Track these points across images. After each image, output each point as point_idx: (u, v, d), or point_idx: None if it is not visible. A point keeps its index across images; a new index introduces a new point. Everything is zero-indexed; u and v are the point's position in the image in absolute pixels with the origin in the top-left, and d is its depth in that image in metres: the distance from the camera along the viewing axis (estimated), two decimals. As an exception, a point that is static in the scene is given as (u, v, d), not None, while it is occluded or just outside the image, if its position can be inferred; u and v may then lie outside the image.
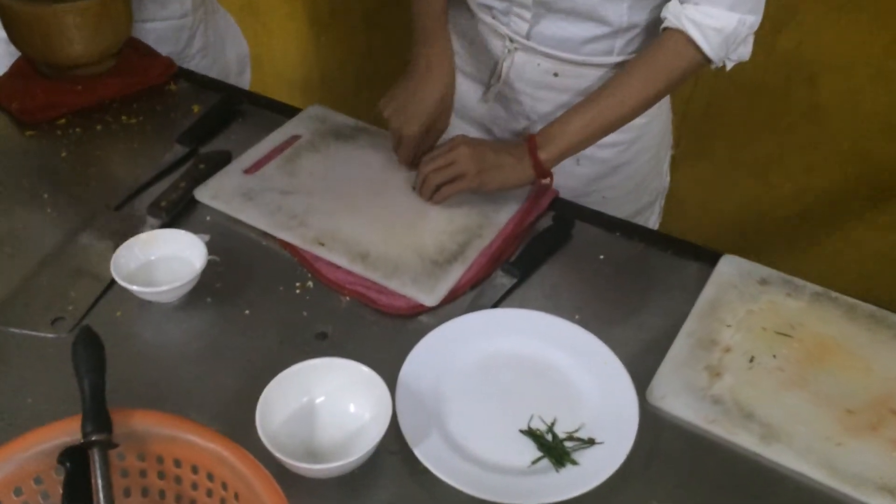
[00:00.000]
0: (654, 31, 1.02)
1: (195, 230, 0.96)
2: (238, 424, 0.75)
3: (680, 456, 0.80)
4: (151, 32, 1.35)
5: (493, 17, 1.11)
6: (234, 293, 0.93)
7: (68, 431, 0.64)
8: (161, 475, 0.67)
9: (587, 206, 1.12)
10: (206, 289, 0.93)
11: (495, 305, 0.94)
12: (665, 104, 1.23)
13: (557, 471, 0.76)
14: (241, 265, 0.97)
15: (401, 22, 2.10)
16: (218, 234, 1.00)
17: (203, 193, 1.05)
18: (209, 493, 0.67)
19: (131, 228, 0.98)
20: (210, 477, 0.66)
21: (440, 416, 0.80)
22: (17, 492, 0.64)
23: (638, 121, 1.15)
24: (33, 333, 0.87)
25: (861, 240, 1.86)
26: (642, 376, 0.85)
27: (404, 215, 1.04)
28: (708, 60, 0.98)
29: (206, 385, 0.84)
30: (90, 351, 0.68)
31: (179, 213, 1.03)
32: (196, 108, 1.21)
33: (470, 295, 0.95)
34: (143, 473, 0.68)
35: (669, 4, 0.98)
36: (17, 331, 0.88)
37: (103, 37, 1.23)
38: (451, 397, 0.82)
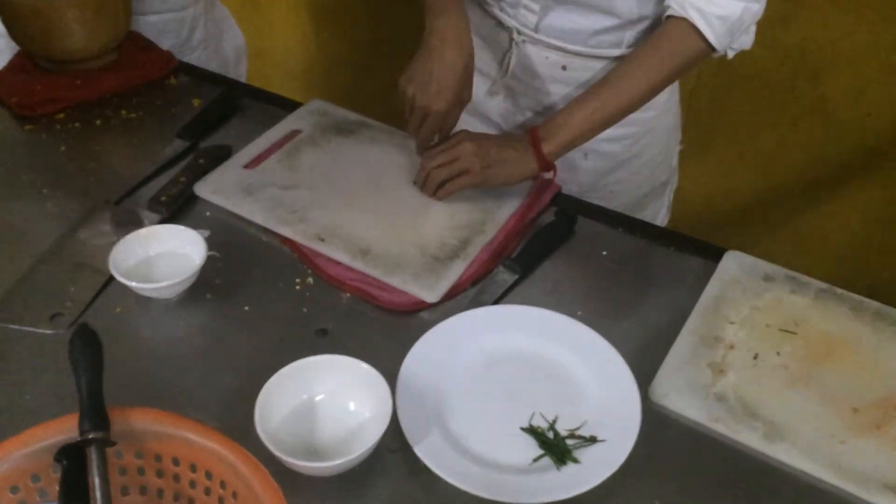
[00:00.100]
0: None
1: (195, 225, 0.96)
2: (237, 422, 0.74)
3: (683, 454, 0.79)
4: (153, 25, 1.35)
5: (501, 10, 1.10)
6: (233, 289, 0.93)
7: (66, 429, 0.64)
8: (159, 473, 0.67)
9: (594, 201, 1.11)
10: (205, 285, 0.92)
11: (496, 302, 0.93)
12: (674, 98, 1.22)
13: (559, 469, 0.75)
14: (240, 261, 0.96)
15: (405, 15, 2.10)
16: (218, 229, 0.99)
17: (203, 188, 1.04)
18: (207, 492, 0.66)
19: (131, 224, 0.97)
20: (208, 475, 0.65)
21: (441, 413, 0.80)
22: (14, 490, 0.63)
23: (646, 115, 1.14)
24: (32, 329, 0.87)
25: (867, 235, 1.85)
26: (645, 373, 0.84)
27: (406, 211, 1.03)
28: (712, 49, 0.97)
29: (206, 382, 0.83)
30: (87, 348, 0.68)
31: (179, 208, 1.02)
32: (196, 103, 1.21)
33: (471, 291, 0.95)
34: (141, 471, 0.67)
35: None
36: (15, 327, 0.87)
37: (103, 31, 1.22)
38: (452, 395, 0.82)
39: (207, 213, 1.02)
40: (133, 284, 0.87)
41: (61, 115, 1.18)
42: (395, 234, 0.99)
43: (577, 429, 0.79)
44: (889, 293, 1.01)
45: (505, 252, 0.99)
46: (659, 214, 1.34)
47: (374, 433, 0.73)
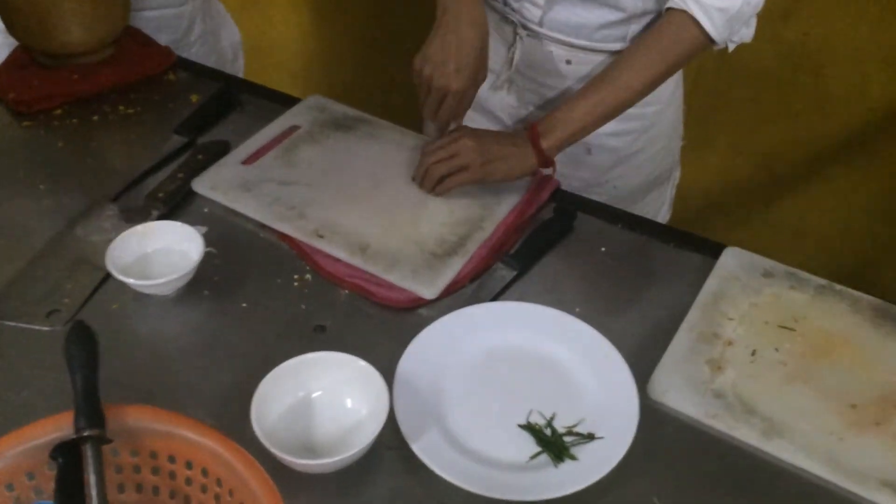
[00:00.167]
0: None
1: (193, 221, 0.96)
2: (235, 419, 0.74)
3: (681, 451, 0.79)
4: (151, 20, 1.34)
5: (505, 4, 1.09)
6: (231, 286, 0.93)
7: (61, 427, 0.64)
8: (155, 471, 0.67)
9: (597, 197, 1.10)
10: (203, 281, 0.92)
11: (495, 298, 0.93)
12: (678, 92, 1.21)
13: (556, 466, 0.75)
14: (238, 257, 0.96)
15: (404, 11, 2.09)
16: (216, 225, 0.99)
17: (201, 184, 1.04)
18: (204, 489, 0.66)
19: (128, 220, 0.97)
20: (205, 473, 0.65)
21: (438, 410, 0.80)
22: (10, 487, 0.63)
23: (650, 109, 1.14)
24: (28, 326, 0.86)
25: (868, 230, 1.85)
26: (644, 370, 0.84)
27: (404, 207, 1.03)
28: (711, 41, 0.97)
29: (203, 379, 0.83)
30: (83, 346, 0.68)
31: (177, 204, 1.02)
32: (194, 98, 1.20)
33: (470, 288, 0.94)
34: (137, 469, 0.67)
35: None
36: (12, 323, 0.87)
37: (101, 25, 1.22)
38: (450, 391, 0.82)
39: (205, 210, 1.02)
40: (130, 281, 0.87)
41: (59, 111, 1.17)
42: (393, 230, 0.99)
43: (575, 426, 0.79)
44: (890, 289, 1.01)
45: (504, 248, 0.99)
46: (661, 209, 1.33)
47: (371, 430, 0.73)
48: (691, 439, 0.80)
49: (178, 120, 1.15)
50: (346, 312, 0.91)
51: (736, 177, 1.92)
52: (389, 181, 1.06)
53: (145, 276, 0.89)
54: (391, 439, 0.77)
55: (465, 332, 0.87)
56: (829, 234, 1.87)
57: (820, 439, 0.78)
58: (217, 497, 0.65)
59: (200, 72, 1.28)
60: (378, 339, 0.87)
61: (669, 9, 0.97)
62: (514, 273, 0.95)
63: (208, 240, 0.93)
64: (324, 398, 0.78)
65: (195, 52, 1.39)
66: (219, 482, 0.64)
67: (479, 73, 1.01)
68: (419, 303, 0.91)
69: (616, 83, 1.00)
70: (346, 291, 0.93)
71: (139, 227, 0.92)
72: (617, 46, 1.06)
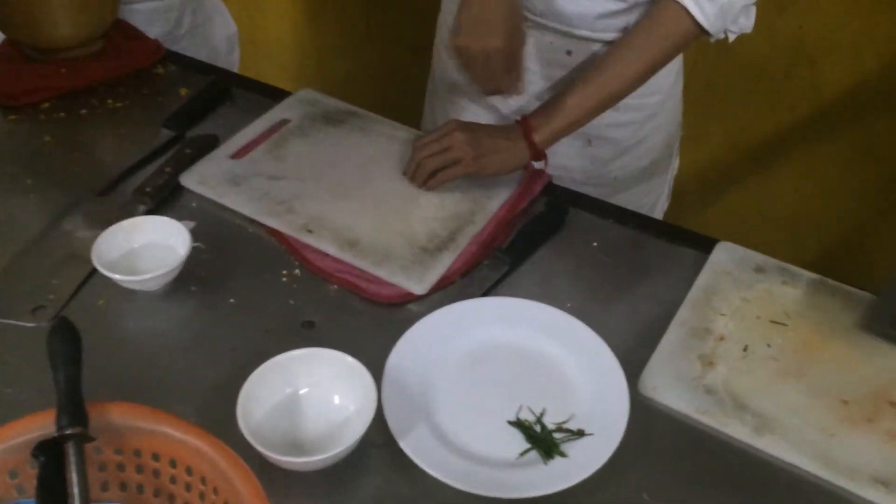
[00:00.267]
0: None
1: (181, 216, 0.95)
2: (222, 416, 0.73)
3: (671, 447, 0.78)
4: (141, 14, 1.33)
5: None
6: (219, 281, 0.92)
7: (44, 424, 0.63)
8: (139, 469, 0.66)
9: (598, 188, 1.09)
10: (190, 277, 0.91)
11: (486, 294, 0.92)
12: (679, 82, 1.21)
13: (546, 463, 0.75)
14: (226, 253, 0.95)
15: (399, 4, 2.08)
16: (204, 220, 0.98)
17: (189, 179, 1.03)
18: (188, 488, 0.65)
19: (115, 215, 0.96)
20: (189, 471, 0.64)
21: (427, 407, 0.79)
22: (-8, 486, 0.62)
23: (652, 99, 1.13)
24: (13, 322, 0.86)
25: (862, 225, 1.84)
26: (635, 366, 0.83)
27: (395, 202, 1.02)
28: (705, 32, 0.96)
29: (190, 376, 0.82)
30: (66, 343, 0.67)
31: (165, 198, 1.01)
32: (184, 92, 1.19)
33: (460, 283, 0.94)
34: (120, 467, 0.66)
35: None
36: (-3, 319, 0.86)
37: (89, 19, 1.21)
38: (439, 388, 0.81)
39: (193, 204, 1.01)
40: (116, 277, 0.86)
41: (46, 105, 1.16)
42: (383, 225, 0.98)
43: (565, 422, 0.78)
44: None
45: (495, 243, 0.98)
46: (660, 199, 1.33)
47: (358, 427, 0.72)
48: (682, 435, 0.79)
49: (167, 114, 1.13)
50: (335, 308, 0.90)
51: (730, 169, 1.91)
52: (380, 175, 1.06)
53: (132, 271, 0.88)
54: (379, 436, 0.76)
55: (455, 328, 0.86)
56: (824, 227, 1.87)
57: (811, 435, 0.77)
58: (202, 495, 0.65)
59: (190, 65, 1.27)
60: (367, 335, 0.86)
61: None
62: (506, 268, 0.94)
63: (196, 235, 0.93)
64: (311, 395, 0.77)
65: (185, 46, 1.38)
66: (203, 480, 0.64)
67: (515, 30, 0.96)
68: (409, 298, 0.91)
69: (608, 75, 0.99)
70: (335, 287, 0.92)
71: (125, 223, 0.91)
72: (618, 37, 1.05)
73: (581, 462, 0.74)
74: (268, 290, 0.91)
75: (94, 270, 0.89)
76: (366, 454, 0.75)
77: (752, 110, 1.81)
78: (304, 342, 0.79)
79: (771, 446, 0.77)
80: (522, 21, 0.99)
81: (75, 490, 0.60)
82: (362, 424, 0.72)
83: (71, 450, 0.61)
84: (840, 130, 1.73)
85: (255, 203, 1.00)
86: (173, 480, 0.66)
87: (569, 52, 1.08)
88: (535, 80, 1.13)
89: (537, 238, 0.99)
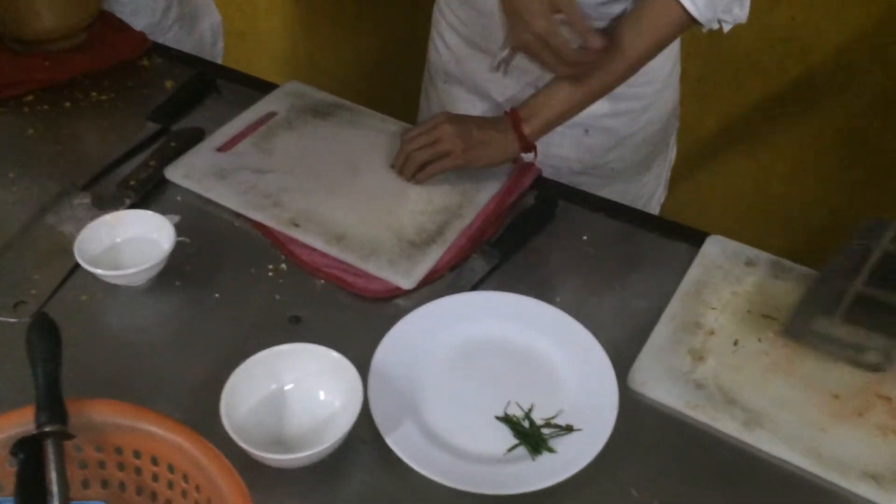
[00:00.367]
0: None
1: (165, 210, 0.93)
2: (206, 413, 0.72)
3: (661, 443, 0.78)
4: (126, 5, 1.32)
5: None
6: (204, 276, 0.91)
7: (23, 422, 0.62)
8: (121, 466, 0.65)
9: (596, 179, 1.07)
10: (175, 272, 0.90)
11: (474, 288, 0.91)
12: (675, 70, 1.19)
13: (533, 459, 0.74)
14: (212, 247, 0.94)
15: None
16: (189, 214, 0.97)
17: (174, 172, 1.01)
18: (170, 485, 0.64)
19: (99, 208, 0.95)
20: (171, 468, 0.63)
21: (414, 402, 0.78)
22: (-31, 484, 0.61)
23: (648, 88, 1.12)
24: (-6, 318, 0.85)
25: (853, 219, 1.83)
26: (624, 360, 0.83)
27: (382, 195, 1.01)
28: (695, 21, 0.95)
29: (174, 372, 0.81)
30: (45, 339, 0.66)
31: (149, 192, 0.99)
32: (169, 84, 1.18)
33: (448, 277, 0.93)
34: (101, 465, 0.65)
35: None
36: (-22, 315, 0.85)
37: (73, 11, 1.19)
38: (426, 383, 0.80)
39: (178, 198, 1.00)
40: (99, 271, 0.85)
41: (30, 98, 1.15)
42: (371, 218, 0.97)
43: (554, 417, 0.77)
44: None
45: (483, 237, 0.97)
46: (657, 192, 1.32)
47: (344, 424, 0.71)
48: (672, 430, 0.78)
49: (153, 107, 1.12)
50: (322, 303, 0.89)
51: (722, 162, 1.91)
52: (368, 169, 1.04)
53: (115, 266, 0.86)
54: (365, 433, 0.75)
55: (443, 323, 0.85)
56: (815, 220, 1.86)
57: (802, 430, 0.77)
58: (184, 493, 0.64)
59: (176, 57, 1.25)
60: (354, 330, 0.85)
61: None
62: (494, 262, 0.93)
63: (181, 229, 0.91)
64: (296, 391, 0.76)
65: (172, 37, 1.36)
66: (185, 478, 0.63)
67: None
68: (396, 293, 0.90)
69: (597, 65, 0.98)
70: (322, 281, 0.91)
71: (108, 217, 0.90)
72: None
73: (569, 458, 0.73)
74: (254, 285, 0.90)
75: (78, 265, 0.88)
76: (352, 451, 0.75)
77: (744, 103, 1.80)
78: (290, 337, 0.78)
79: (761, 441, 0.76)
80: None
81: (55, 488, 0.59)
82: (348, 421, 0.71)
83: (50, 447, 0.60)
84: (831, 124, 1.73)
85: (241, 197, 0.98)
86: (155, 478, 0.65)
87: None
88: (535, 71, 1.12)
89: (527, 232, 0.98)
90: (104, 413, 0.64)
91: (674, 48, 1.16)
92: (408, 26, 2.02)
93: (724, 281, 0.91)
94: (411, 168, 1.01)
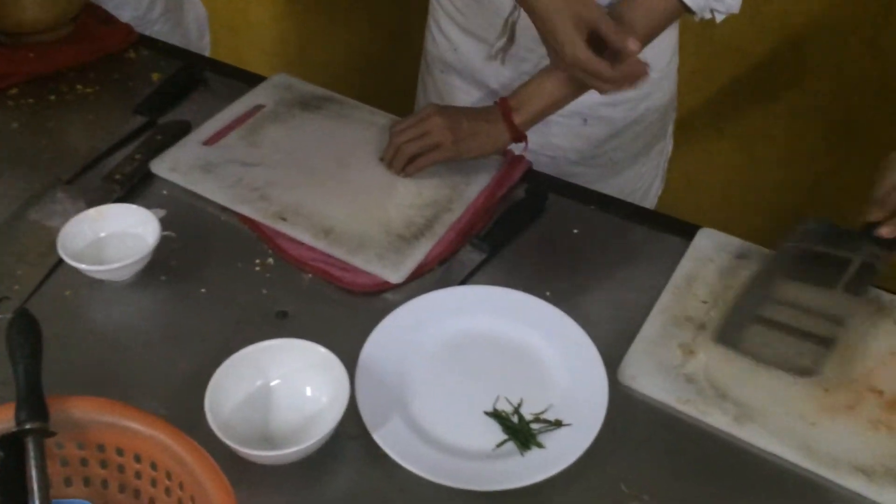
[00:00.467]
0: None
1: (151, 204, 0.92)
2: (192, 410, 0.71)
3: (651, 437, 0.77)
4: (111, -2, 1.30)
5: None
6: (190, 271, 0.90)
7: (4, 419, 0.61)
8: (103, 464, 0.64)
9: (594, 169, 1.06)
10: (160, 266, 0.89)
11: (463, 282, 0.90)
12: (674, 59, 1.19)
13: (522, 454, 0.73)
14: (198, 241, 0.93)
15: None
16: (175, 208, 0.96)
17: (160, 166, 1.00)
18: (153, 483, 0.63)
19: (84, 203, 0.93)
20: (154, 466, 0.63)
21: (402, 398, 0.77)
22: (-51, 482, 0.60)
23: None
24: (-24, 314, 0.83)
25: (847, 211, 1.83)
26: (615, 354, 0.82)
27: (371, 189, 1.00)
28: (688, 10, 0.94)
29: (159, 368, 0.80)
30: (26, 335, 0.65)
31: (135, 186, 0.98)
32: (156, 77, 1.17)
33: (438, 271, 0.92)
34: (84, 462, 0.64)
35: None
36: (-41, 311, 0.84)
37: (58, 2, 1.17)
38: (414, 378, 0.79)
39: (164, 192, 0.99)
40: (82, 267, 0.84)
41: (14, 91, 1.13)
42: (359, 212, 0.96)
43: (543, 412, 0.77)
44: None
45: (473, 230, 0.96)
46: (653, 185, 1.31)
47: (331, 419, 0.70)
48: (662, 425, 0.78)
49: (139, 99, 1.11)
50: (310, 297, 0.88)
51: (715, 155, 1.90)
52: (356, 162, 1.03)
53: (99, 261, 0.86)
54: (353, 428, 0.74)
55: (432, 317, 0.84)
56: (808, 214, 1.86)
57: (792, 424, 0.76)
58: (168, 491, 0.63)
59: (163, 49, 1.24)
60: (342, 325, 0.84)
61: None
62: (484, 256, 0.93)
63: (167, 223, 0.90)
64: (282, 386, 0.75)
65: (159, 30, 1.35)
66: (169, 475, 0.62)
67: (578, 18, 0.87)
68: (385, 287, 0.89)
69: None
70: (310, 276, 0.90)
71: (92, 211, 0.89)
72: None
73: (558, 453, 0.73)
74: (240, 280, 0.89)
75: (61, 260, 0.87)
76: (339, 447, 0.74)
77: (737, 96, 1.79)
78: (277, 332, 0.77)
79: (752, 435, 0.76)
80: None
81: (35, 486, 0.58)
82: (335, 416, 0.70)
83: (30, 445, 0.59)
84: (825, 115, 1.72)
85: (228, 190, 0.97)
86: (139, 476, 0.64)
87: None
88: (534, 60, 1.11)
89: (516, 225, 0.97)
90: (86, 410, 0.63)
91: (672, 38, 1.16)
92: (400, 18, 2.01)
93: (716, 274, 0.90)
94: (401, 161, 1.00)
